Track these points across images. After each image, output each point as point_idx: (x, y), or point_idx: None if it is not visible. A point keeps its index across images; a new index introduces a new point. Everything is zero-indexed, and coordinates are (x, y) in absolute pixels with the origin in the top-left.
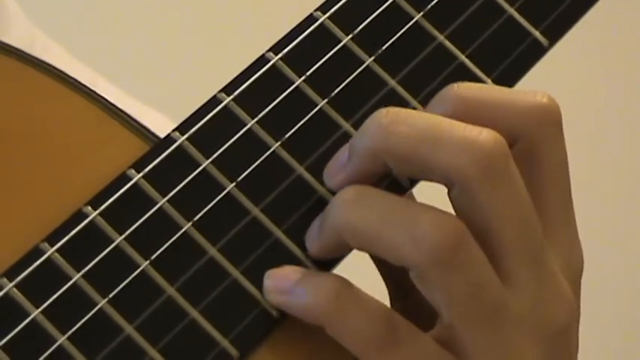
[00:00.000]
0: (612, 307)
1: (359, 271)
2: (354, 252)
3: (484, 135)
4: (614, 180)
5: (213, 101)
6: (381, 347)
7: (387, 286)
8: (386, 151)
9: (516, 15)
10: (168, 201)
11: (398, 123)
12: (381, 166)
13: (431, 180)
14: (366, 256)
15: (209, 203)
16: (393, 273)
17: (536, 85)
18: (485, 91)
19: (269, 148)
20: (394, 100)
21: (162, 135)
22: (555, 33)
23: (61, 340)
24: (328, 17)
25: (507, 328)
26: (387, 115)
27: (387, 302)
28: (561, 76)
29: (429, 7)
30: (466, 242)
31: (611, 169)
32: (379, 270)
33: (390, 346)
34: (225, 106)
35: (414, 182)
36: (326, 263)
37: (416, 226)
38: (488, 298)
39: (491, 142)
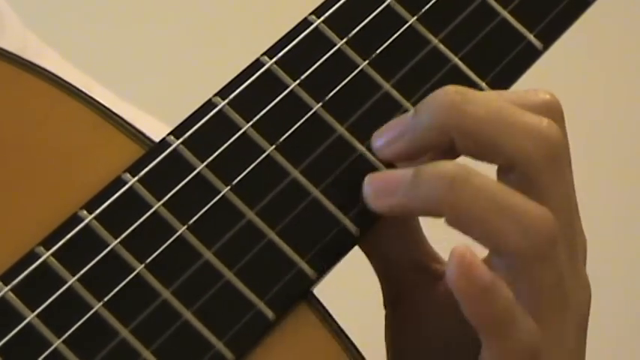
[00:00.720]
0: (611, 307)
1: (356, 272)
2: (351, 254)
3: (548, 123)
4: (613, 180)
5: (208, 105)
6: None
7: (383, 289)
8: (458, 128)
9: (510, 18)
10: (163, 205)
11: (471, 102)
12: (447, 141)
13: (489, 160)
14: (363, 258)
15: (204, 207)
16: (390, 275)
17: (531, 86)
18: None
19: (264, 152)
20: (389, 103)
21: (156, 139)
22: (549, 36)
23: (57, 343)
24: (323, 21)
25: (566, 317)
26: (458, 93)
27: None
28: (556, 78)
29: (423, 10)
30: (560, 235)
31: (610, 169)
32: (377, 272)
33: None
34: (220, 109)
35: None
36: (322, 264)
37: (526, 216)
38: (563, 289)
39: (555, 132)
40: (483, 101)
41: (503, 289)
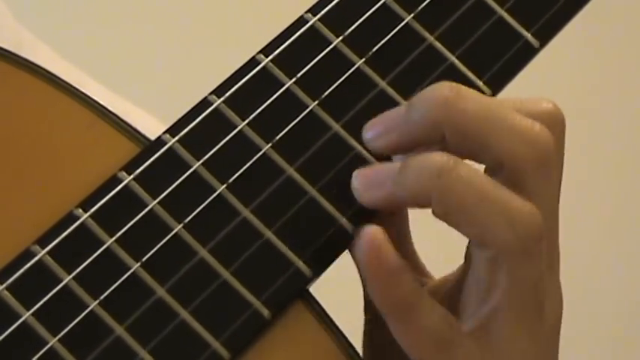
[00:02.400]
0: (611, 306)
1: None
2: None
3: (539, 127)
4: (613, 180)
5: (204, 103)
6: (440, 349)
7: (365, 295)
8: (450, 124)
9: (507, 16)
10: (158, 203)
11: (465, 99)
12: (438, 137)
13: (479, 159)
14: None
15: (200, 205)
16: None
17: (530, 85)
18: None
19: (260, 150)
20: (384, 101)
21: (152, 137)
22: (546, 34)
23: (52, 342)
24: (319, 19)
25: (539, 324)
26: (452, 89)
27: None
28: (554, 76)
29: (420, 8)
30: (545, 235)
31: (610, 169)
32: (361, 277)
33: (449, 347)
34: (216, 108)
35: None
36: (318, 264)
37: (513, 210)
38: (541, 292)
39: (545, 135)
40: (477, 99)
41: (409, 277)
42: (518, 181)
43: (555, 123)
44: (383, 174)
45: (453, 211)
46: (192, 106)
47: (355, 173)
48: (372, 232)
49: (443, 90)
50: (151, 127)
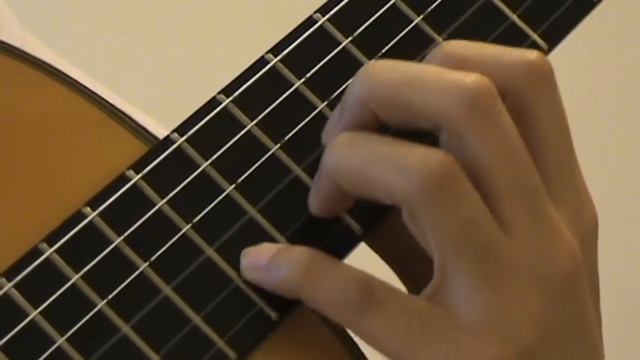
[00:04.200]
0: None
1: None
2: (364, 256)
3: (470, 77)
4: (613, 180)
5: (213, 103)
6: (359, 310)
7: (405, 284)
8: (372, 98)
9: (515, 18)
10: (167, 202)
11: (383, 70)
12: (370, 115)
13: (420, 128)
14: (365, 257)
15: (208, 205)
16: (408, 269)
17: None
18: (474, 48)
19: (268, 150)
20: None
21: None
22: (554, 36)
23: (60, 341)
24: (328, 19)
25: (501, 272)
26: (373, 65)
27: None
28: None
29: (429, 9)
30: (456, 175)
31: (610, 170)
32: (393, 269)
33: (368, 307)
34: (225, 107)
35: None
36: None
37: (404, 160)
38: (480, 237)
39: (477, 83)
40: (397, 68)
41: (283, 254)
42: (457, 136)
43: (537, 72)
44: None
45: (355, 185)
46: (200, 105)
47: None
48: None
49: (364, 68)
50: (154, 130)
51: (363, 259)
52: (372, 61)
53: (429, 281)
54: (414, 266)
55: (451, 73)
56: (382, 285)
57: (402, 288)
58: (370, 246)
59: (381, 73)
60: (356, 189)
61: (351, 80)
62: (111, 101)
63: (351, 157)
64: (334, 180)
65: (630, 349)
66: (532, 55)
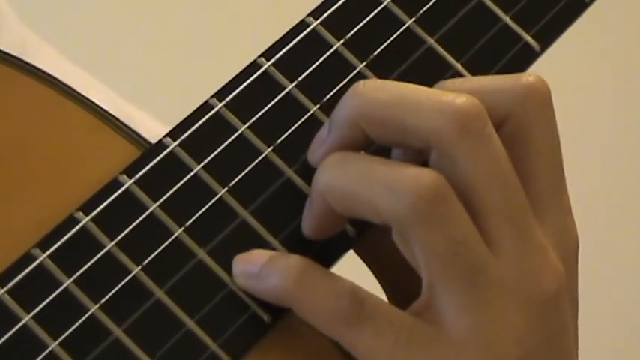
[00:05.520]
0: (608, 307)
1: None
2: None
3: (460, 98)
4: (613, 180)
5: (205, 107)
6: (347, 322)
7: (387, 294)
8: (363, 117)
9: (507, 19)
10: (159, 206)
11: (375, 89)
12: (359, 134)
13: (406, 146)
14: (358, 261)
15: (200, 209)
16: (393, 280)
17: None
18: (470, 82)
19: (261, 154)
20: None
21: (154, 139)
22: (547, 38)
23: (53, 345)
24: (320, 23)
25: (488, 292)
26: (364, 84)
27: None
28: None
29: (421, 12)
30: (446, 196)
31: (611, 170)
32: (377, 277)
33: (357, 319)
34: (217, 111)
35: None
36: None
37: (395, 180)
38: (468, 257)
39: (468, 104)
40: (387, 86)
41: (275, 262)
42: (446, 156)
43: (533, 95)
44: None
45: (345, 205)
46: (193, 108)
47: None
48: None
49: (355, 87)
50: (154, 129)
51: (349, 270)
52: (362, 81)
53: (413, 292)
54: (399, 276)
55: (442, 93)
56: (371, 297)
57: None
58: (358, 253)
59: (373, 93)
60: (347, 209)
61: (341, 99)
62: (109, 99)
63: (342, 178)
64: (325, 201)
65: (630, 349)
66: (529, 78)
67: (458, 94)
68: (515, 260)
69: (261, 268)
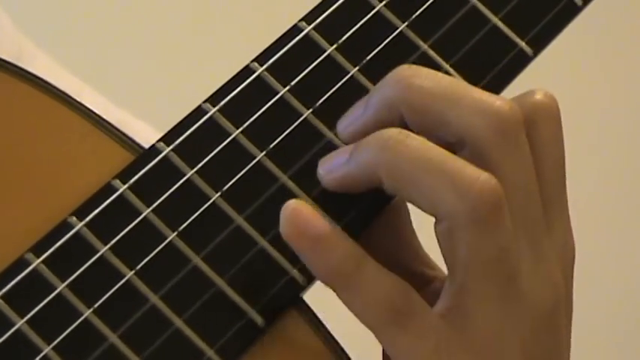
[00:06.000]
0: (607, 307)
1: None
2: None
3: (501, 101)
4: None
5: (198, 111)
6: (395, 318)
7: None
8: (405, 102)
9: (501, 25)
10: (152, 211)
11: (420, 77)
12: (397, 117)
13: (440, 137)
14: None
15: (194, 213)
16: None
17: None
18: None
19: (254, 158)
20: None
21: (147, 145)
22: (540, 42)
23: (47, 350)
24: (313, 28)
25: (517, 302)
26: (410, 69)
27: None
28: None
29: (414, 17)
30: (503, 202)
31: (611, 170)
32: None
33: (404, 318)
34: (210, 116)
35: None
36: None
37: (461, 175)
38: (509, 266)
39: (507, 109)
40: (434, 77)
41: (343, 243)
42: (480, 155)
43: (542, 111)
44: (341, 155)
45: (400, 183)
46: (186, 113)
47: (320, 160)
48: (291, 204)
49: (400, 71)
50: (148, 136)
51: None
52: (406, 65)
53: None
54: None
55: (484, 93)
56: (420, 299)
57: None
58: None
59: (418, 80)
60: (397, 188)
61: (383, 80)
62: (102, 106)
63: (405, 157)
64: (375, 172)
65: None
66: (537, 96)
67: (499, 97)
68: (527, 272)
69: (320, 240)
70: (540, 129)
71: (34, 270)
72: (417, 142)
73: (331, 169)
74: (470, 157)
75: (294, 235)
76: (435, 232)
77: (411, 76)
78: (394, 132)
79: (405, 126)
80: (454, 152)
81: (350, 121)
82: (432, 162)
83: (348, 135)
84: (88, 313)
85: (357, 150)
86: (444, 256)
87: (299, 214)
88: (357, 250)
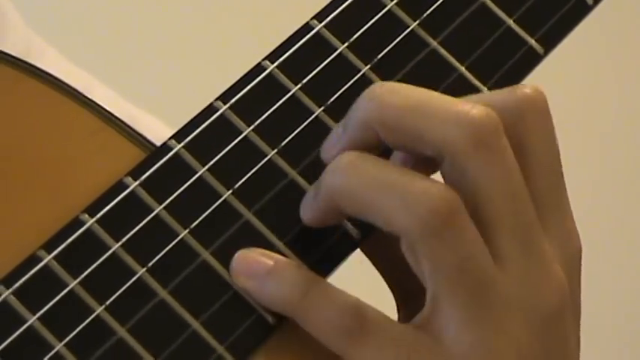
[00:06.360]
0: (609, 308)
1: (355, 277)
2: (355, 264)
3: (477, 109)
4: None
5: (210, 109)
6: (350, 337)
7: (394, 294)
8: (378, 121)
9: (511, 23)
10: (164, 208)
11: (392, 93)
12: (373, 136)
13: (422, 153)
14: (361, 263)
15: (205, 211)
16: (396, 277)
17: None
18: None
19: (265, 156)
20: None
21: (157, 141)
22: (550, 41)
23: (59, 347)
24: (324, 26)
25: (493, 307)
26: (381, 86)
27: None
28: (559, 79)
29: (425, 15)
30: (459, 213)
31: (612, 170)
32: (383, 276)
33: (360, 335)
34: (222, 114)
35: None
36: (324, 268)
37: (410, 192)
38: (476, 274)
39: (483, 116)
40: (406, 92)
41: (285, 270)
42: (459, 167)
43: (531, 106)
44: (311, 191)
45: (357, 208)
46: (197, 110)
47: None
48: (238, 253)
49: (372, 89)
50: (158, 131)
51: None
52: (380, 82)
53: (420, 291)
54: (406, 275)
55: (458, 103)
56: (374, 313)
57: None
58: (364, 252)
59: (390, 97)
60: (356, 213)
61: (357, 100)
62: (112, 100)
63: (355, 182)
64: (335, 200)
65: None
66: (525, 90)
67: (474, 105)
68: (520, 276)
69: (267, 274)
70: (528, 124)
71: (46, 266)
72: (369, 164)
73: (303, 208)
74: (449, 171)
75: (244, 283)
76: (401, 249)
77: (383, 93)
78: (351, 156)
79: (384, 144)
80: (436, 167)
81: (331, 144)
82: (383, 182)
83: (329, 158)
84: (99, 310)
85: (319, 182)
86: (414, 271)
87: (238, 261)
88: (303, 277)
